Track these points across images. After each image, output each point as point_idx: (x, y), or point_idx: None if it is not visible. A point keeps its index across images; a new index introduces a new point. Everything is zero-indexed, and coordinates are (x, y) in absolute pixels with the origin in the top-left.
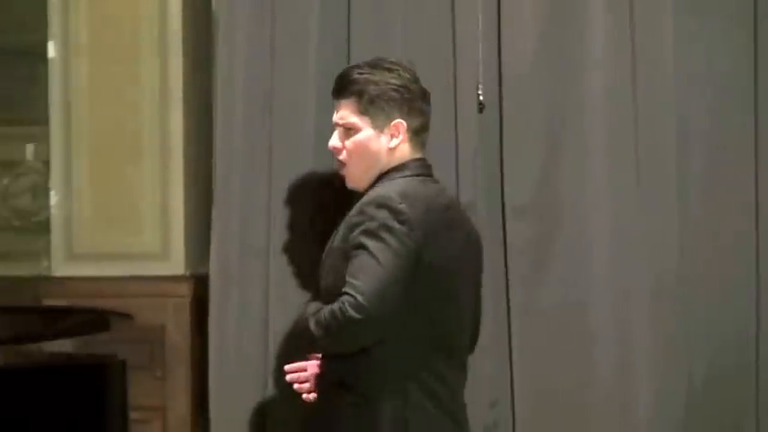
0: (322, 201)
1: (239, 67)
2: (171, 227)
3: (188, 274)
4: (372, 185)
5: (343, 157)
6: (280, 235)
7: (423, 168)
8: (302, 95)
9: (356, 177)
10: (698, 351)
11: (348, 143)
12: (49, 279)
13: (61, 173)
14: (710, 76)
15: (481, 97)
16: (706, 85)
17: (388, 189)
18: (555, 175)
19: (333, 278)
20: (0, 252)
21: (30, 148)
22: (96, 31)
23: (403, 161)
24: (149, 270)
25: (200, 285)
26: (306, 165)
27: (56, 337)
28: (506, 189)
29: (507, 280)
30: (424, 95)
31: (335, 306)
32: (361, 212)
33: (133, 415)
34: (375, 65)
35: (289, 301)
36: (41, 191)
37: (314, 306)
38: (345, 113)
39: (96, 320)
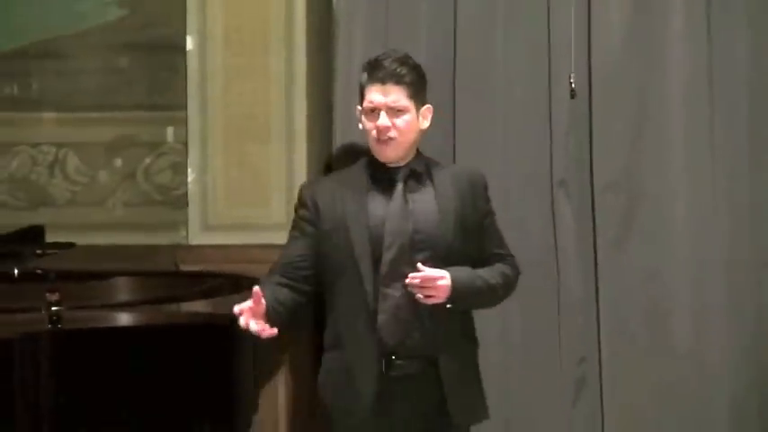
0: None
1: (357, 59)
2: (294, 201)
3: None
4: (411, 159)
5: (393, 134)
6: None
7: None
8: None
9: (401, 153)
10: None
11: (399, 122)
12: (187, 247)
13: (198, 153)
14: None
15: (573, 85)
16: None
17: (466, 165)
18: (638, 155)
19: (453, 234)
20: (143, 223)
21: (170, 131)
22: (229, 26)
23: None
24: (275, 239)
25: None
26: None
27: (193, 298)
28: (595, 168)
29: (595, 248)
30: None
31: (509, 265)
32: (476, 184)
33: (262, 369)
34: (407, 57)
35: None
36: (180, 169)
37: (498, 267)
38: (398, 97)
39: (228, 284)
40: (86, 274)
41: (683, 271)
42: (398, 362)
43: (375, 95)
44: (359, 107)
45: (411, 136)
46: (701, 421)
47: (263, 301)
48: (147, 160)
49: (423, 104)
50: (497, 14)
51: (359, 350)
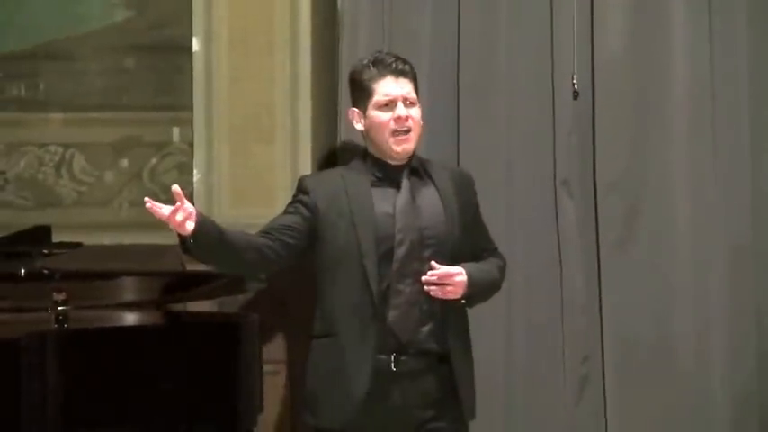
0: None
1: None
2: None
3: None
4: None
5: (410, 124)
6: None
7: None
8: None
9: (414, 146)
10: None
11: (413, 114)
12: None
13: (203, 153)
14: None
15: (576, 86)
16: None
17: (454, 165)
18: (641, 156)
19: (458, 230)
20: (149, 223)
21: (176, 131)
22: (235, 27)
23: None
24: None
25: None
26: (419, 146)
27: (198, 298)
28: (598, 167)
29: (598, 247)
30: None
31: (500, 258)
32: (469, 184)
33: (268, 367)
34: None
35: None
36: (186, 169)
37: (494, 261)
38: (410, 89)
39: (233, 283)
40: (93, 274)
41: (686, 270)
42: (403, 358)
43: (391, 88)
44: (354, 109)
45: (419, 131)
46: (703, 420)
47: (186, 205)
48: (153, 160)
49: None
50: (500, 15)
51: (357, 344)
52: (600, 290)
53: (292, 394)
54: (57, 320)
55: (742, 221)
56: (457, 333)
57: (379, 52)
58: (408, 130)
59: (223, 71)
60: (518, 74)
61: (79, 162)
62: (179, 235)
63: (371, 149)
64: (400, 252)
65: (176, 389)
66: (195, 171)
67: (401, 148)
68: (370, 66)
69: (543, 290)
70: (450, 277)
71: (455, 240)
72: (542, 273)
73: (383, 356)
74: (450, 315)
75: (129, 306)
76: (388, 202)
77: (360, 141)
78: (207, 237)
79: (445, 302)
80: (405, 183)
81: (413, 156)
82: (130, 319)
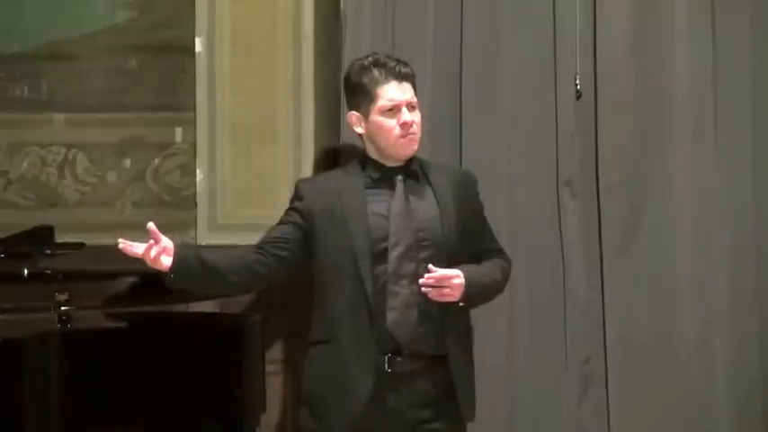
0: None
1: None
2: None
3: None
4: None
5: (414, 129)
6: None
7: None
8: (420, 85)
9: (417, 148)
10: None
11: (416, 118)
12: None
13: (206, 153)
14: None
15: (578, 86)
16: None
17: (456, 166)
18: (644, 156)
19: (455, 232)
20: None
21: (178, 132)
22: (238, 28)
23: None
24: None
25: None
26: (422, 148)
27: (201, 298)
28: (600, 168)
29: (601, 248)
30: None
31: (504, 259)
32: (470, 184)
33: (270, 367)
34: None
35: None
36: (189, 169)
37: (497, 262)
38: (413, 93)
39: None
40: (96, 274)
41: (688, 271)
42: (398, 359)
43: (395, 93)
44: (354, 113)
45: (420, 133)
46: (706, 421)
47: (162, 241)
48: (156, 161)
49: None
50: (503, 16)
51: (355, 346)
52: (602, 290)
53: (294, 394)
54: (60, 321)
55: (744, 222)
56: (455, 335)
57: (377, 54)
58: (414, 134)
59: (226, 72)
60: (521, 74)
61: (82, 162)
62: (159, 271)
63: (371, 152)
64: (395, 254)
65: (180, 389)
66: (198, 171)
67: (409, 151)
68: (372, 68)
69: (546, 290)
70: (447, 280)
71: (452, 242)
72: (545, 273)
73: (380, 358)
74: (449, 317)
75: (132, 306)
76: (383, 205)
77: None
78: (187, 269)
79: (443, 304)
80: (399, 185)
81: (411, 158)
82: (133, 319)
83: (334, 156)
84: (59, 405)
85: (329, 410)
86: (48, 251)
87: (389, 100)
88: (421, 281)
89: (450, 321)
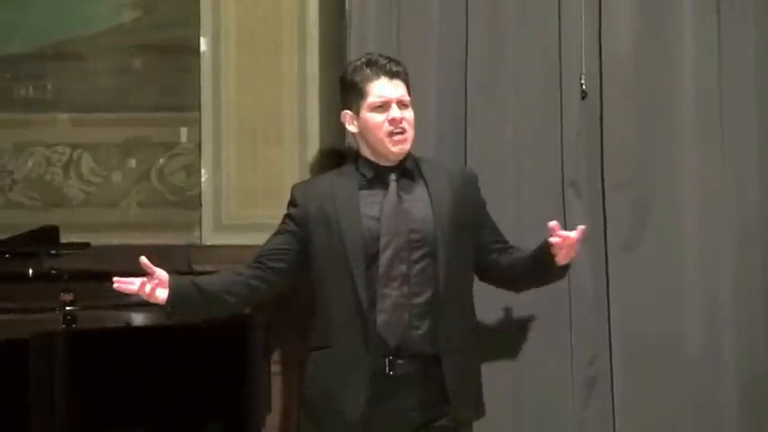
0: None
1: None
2: None
3: None
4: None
5: (405, 126)
6: None
7: None
8: (425, 85)
9: (408, 147)
10: None
11: (408, 116)
12: (200, 247)
13: (211, 153)
14: None
15: (584, 86)
16: None
17: (455, 164)
18: (649, 156)
19: (448, 230)
20: (157, 223)
21: (183, 132)
22: (243, 28)
23: None
24: None
25: None
26: (427, 147)
27: None
28: (606, 168)
29: (606, 247)
30: None
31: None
32: (470, 182)
33: (275, 368)
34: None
35: None
36: (194, 169)
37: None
38: (404, 92)
39: None
40: (101, 275)
41: (694, 271)
42: (399, 361)
43: (385, 90)
44: (347, 111)
45: (413, 131)
46: (711, 420)
47: (156, 273)
48: (161, 161)
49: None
50: (508, 15)
51: (352, 350)
52: (608, 290)
53: (297, 394)
54: (65, 321)
55: (751, 221)
56: (451, 334)
57: (371, 54)
58: (404, 131)
59: (231, 71)
60: (526, 74)
61: (87, 162)
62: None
63: (364, 151)
64: (385, 256)
65: (185, 389)
66: (203, 171)
67: (398, 148)
68: (364, 67)
69: (551, 290)
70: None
71: (446, 241)
72: None
73: (378, 361)
74: (448, 316)
75: (137, 306)
76: (375, 206)
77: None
78: (183, 298)
79: (435, 304)
80: (392, 185)
81: (405, 157)
82: (138, 319)
83: (338, 156)
84: (64, 405)
85: (328, 416)
86: (53, 251)
87: (379, 96)
88: (561, 237)
89: (449, 320)
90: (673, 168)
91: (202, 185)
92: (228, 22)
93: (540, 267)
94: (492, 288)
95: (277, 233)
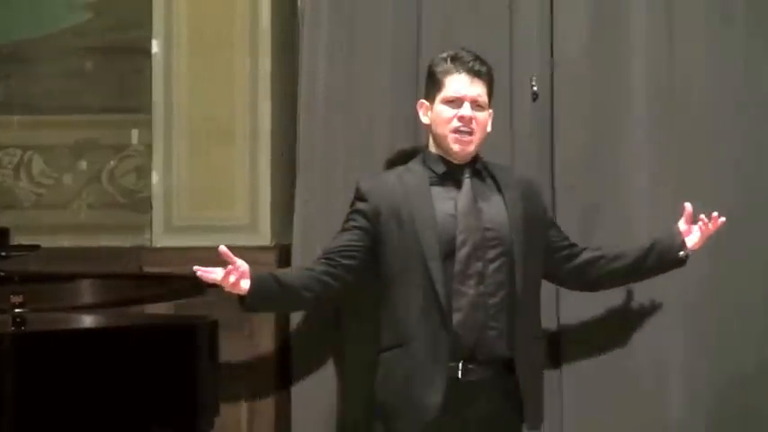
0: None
1: (321, 61)
2: (259, 202)
3: (274, 244)
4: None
5: (473, 126)
6: None
7: None
8: (378, 80)
9: (473, 149)
10: (726, 305)
11: (480, 117)
12: (151, 249)
13: (162, 155)
14: (744, 73)
15: (535, 88)
16: (736, 79)
17: (524, 172)
18: (599, 157)
19: (523, 233)
20: (108, 225)
21: (134, 133)
22: (194, 29)
23: None
24: (239, 241)
25: (285, 254)
26: (380, 143)
27: (156, 300)
28: (556, 170)
29: None
30: None
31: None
32: (537, 191)
33: (223, 369)
34: (480, 56)
35: None
36: (145, 171)
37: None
38: (482, 92)
39: (192, 285)
40: (51, 277)
41: None
42: (471, 366)
43: (461, 86)
44: (423, 101)
45: (483, 135)
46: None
47: (239, 264)
48: (112, 163)
49: (490, 107)
50: (461, 15)
51: (430, 350)
52: (558, 292)
53: (249, 397)
54: (14, 323)
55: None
56: (524, 337)
57: (462, 49)
58: (471, 132)
59: (182, 72)
60: None
61: (38, 164)
62: (238, 295)
63: (433, 146)
64: (462, 253)
65: (134, 391)
66: (154, 173)
67: (459, 147)
68: (447, 60)
69: None
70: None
71: (520, 242)
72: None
73: (453, 364)
74: (522, 318)
75: (88, 309)
76: (449, 202)
77: (321, 141)
78: (265, 291)
79: (509, 304)
80: (466, 182)
81: (476, 157)
82: (88, 321)
83: (291, 157)
84: (11, 407)
85: (401, 419)
86: (2, 253)
87: (455, 91)
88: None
89: (518, 324)
90: (623, 170)
91: (153, 187)
92: (180, 23)
93: (662, 257)
94: None
95: (345, 230)
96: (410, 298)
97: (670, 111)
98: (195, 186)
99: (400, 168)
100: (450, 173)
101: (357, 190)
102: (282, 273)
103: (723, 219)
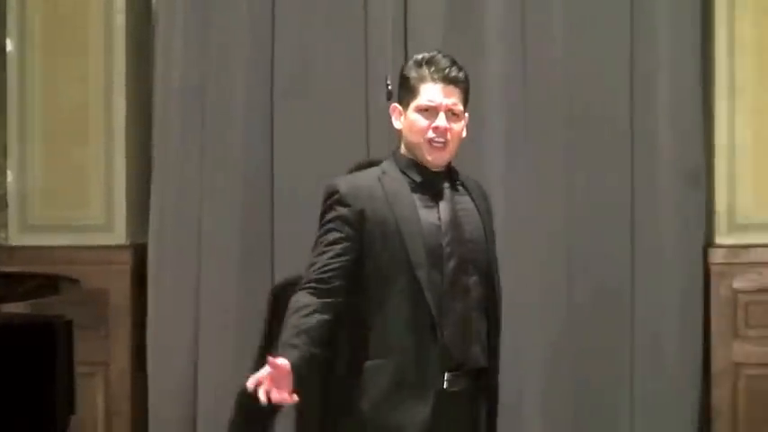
0: (247, 176)
1: (175, 62)
2: (114, 202)
3: (129, 243)
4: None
5: (448, 137)
6: (210, 208)
7: None
8: (232, 82)
9: (447, 158)
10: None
11: (455, 127)
12: (6, 248)
13: (16, 154)
14: (594, 71)
15: (390, 87)
16: (589, 75)
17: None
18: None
19: (491, 245)
20: None
21: None
22: (49, 28)
23: None
24: (95, 240)
25: (140, 253)
26: (234, 144)
27: (11, 299)
28: None
29: None
30: None
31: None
32: (487, 197)
33: (80, 369)
34: (455, 59)
35: (219, 267)
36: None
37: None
38: (457, 101)
39: (47, 285)
40: None
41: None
42: (456, 377)
43: (436, 95)
44: (396, 105)
45: (458, 143)
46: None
47: (284, 367)
48: None
49: (466, 111)
50: (315, 15)
51: (418, 364)
52: None
53: (106, 396)
54: None
55: (557, 232)
56: (498, 348)
57: (439, 52)
58: (445, 142)
59: (37, 72)
60: (332, 74)
61: None
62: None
63: (405, 151)
64: (450, 266)
65: None
66: (8, 173)
67: (433, 156)
68: (423, 65)
69: None
70: None
71: (490, 256)
72: None
73: (439, 376)
74: (494, 330)
75: None
76: (432, 211)
77: (177, 142)
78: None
79: (493, 317)
80: (447, 192)
81: (449, 165)
82: None
83: (146, 157)
84: None
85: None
86: None
87: (429, 100)
88: None
89: (492, 335)
90: (481, 171)
91: (8, 186)
92: (34, 22)
93: None
94: None
95: (329, 243)
96: (396, 308)
97: (524, 123)
98: (50, 185)
99: (375, 170)
100: (427, 182)
101: (334, 194)
102: (300, 349)
103: None
